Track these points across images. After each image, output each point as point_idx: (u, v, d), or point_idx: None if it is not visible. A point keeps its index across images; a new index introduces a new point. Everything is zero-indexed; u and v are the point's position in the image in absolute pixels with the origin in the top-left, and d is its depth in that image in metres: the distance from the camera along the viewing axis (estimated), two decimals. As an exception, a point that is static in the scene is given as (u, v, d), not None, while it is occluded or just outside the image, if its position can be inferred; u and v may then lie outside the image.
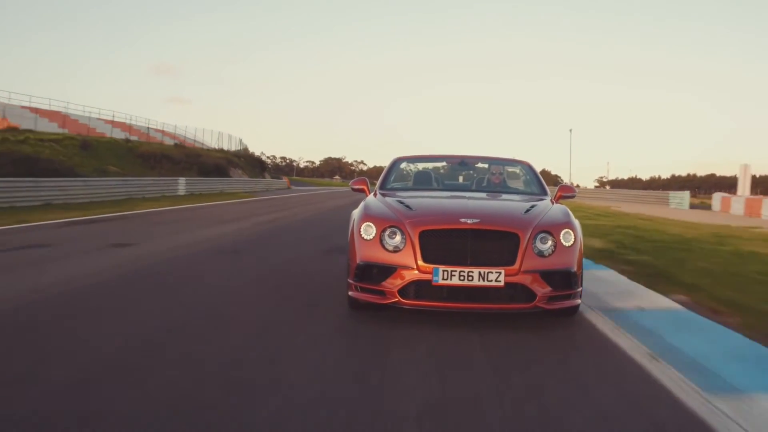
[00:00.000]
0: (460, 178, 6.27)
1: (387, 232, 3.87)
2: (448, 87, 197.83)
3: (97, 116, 35.90)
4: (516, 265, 3.69)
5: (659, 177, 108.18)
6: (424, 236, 3.75)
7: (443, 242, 3.75)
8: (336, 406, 2.59)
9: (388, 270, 3.77)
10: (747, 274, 6.57)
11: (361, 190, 5.13)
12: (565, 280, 3.83)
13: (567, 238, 3.90)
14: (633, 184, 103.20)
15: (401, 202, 4.31)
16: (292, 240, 9.42)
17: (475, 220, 3.78)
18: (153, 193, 22.80)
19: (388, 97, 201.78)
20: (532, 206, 4.33)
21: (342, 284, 4.54)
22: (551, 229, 3.89)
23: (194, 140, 44.42)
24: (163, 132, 41.39)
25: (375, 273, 3.83)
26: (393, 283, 3.75)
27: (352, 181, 5.33)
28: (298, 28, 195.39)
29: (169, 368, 2.99)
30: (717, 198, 27.28)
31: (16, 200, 14.60)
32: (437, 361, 3.28)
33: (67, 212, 13.10)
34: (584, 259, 4.40)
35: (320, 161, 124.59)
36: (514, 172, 6.06)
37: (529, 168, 5.71)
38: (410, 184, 5.61)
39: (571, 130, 50.04)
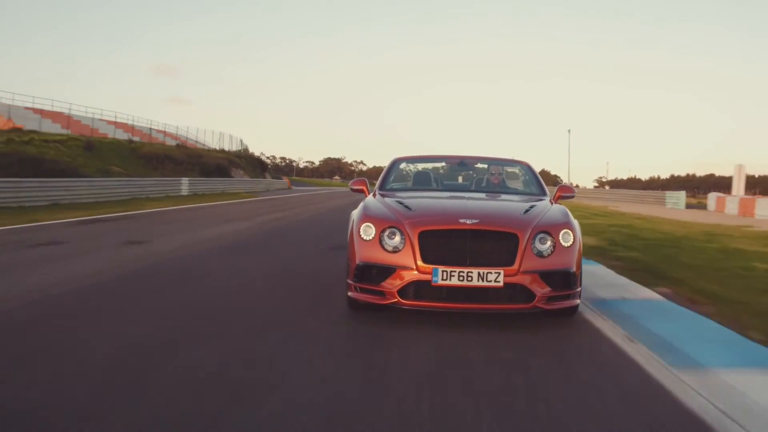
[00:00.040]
0: (460, 179, 6.29)
1: (386, 233, 3.88)
2: (448, 87, 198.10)
3: (99, 117, 36.21)
4: (515, 266, 3.71)
5: (659, 177, 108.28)
6: (423, 237, 3.77)
7: (442, 243, 3.76)
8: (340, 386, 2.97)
9: (388, 270, 3.79)
10: (730, 269, 6.94)
11: (361, 191, 5.16)
12: (565, 281, 3.86)
13: (566, 238, 3.93)
14: (632, 184, 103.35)
15: (400, 203, 4.33)
16: (295, 239, 9.83)
17: (474, 221, 3.80)
18: (156, 193, 23.16)
19: (388, 97, 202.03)
20: (532, 206, 4.36)
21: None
22: (550, 230, 3.92)
23: (195, 141, 44.75)
24: (164, 133, 41.71)
25: (374, 273, 3.84)
26: (392, 284, 3.76)
27: (351, 181, 5.37)
28: (298, 28, 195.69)
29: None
30: (712, 198, 27.69)
31: (24, 200, 14.94)
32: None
33: (75, 212, 13.48)
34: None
35: (320, 161, 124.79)
36: (514, 173, 6.07)
37: (528, 168, 5.74)
38: (409, 184, 5.64)
39: (569, 131, 50.61)
